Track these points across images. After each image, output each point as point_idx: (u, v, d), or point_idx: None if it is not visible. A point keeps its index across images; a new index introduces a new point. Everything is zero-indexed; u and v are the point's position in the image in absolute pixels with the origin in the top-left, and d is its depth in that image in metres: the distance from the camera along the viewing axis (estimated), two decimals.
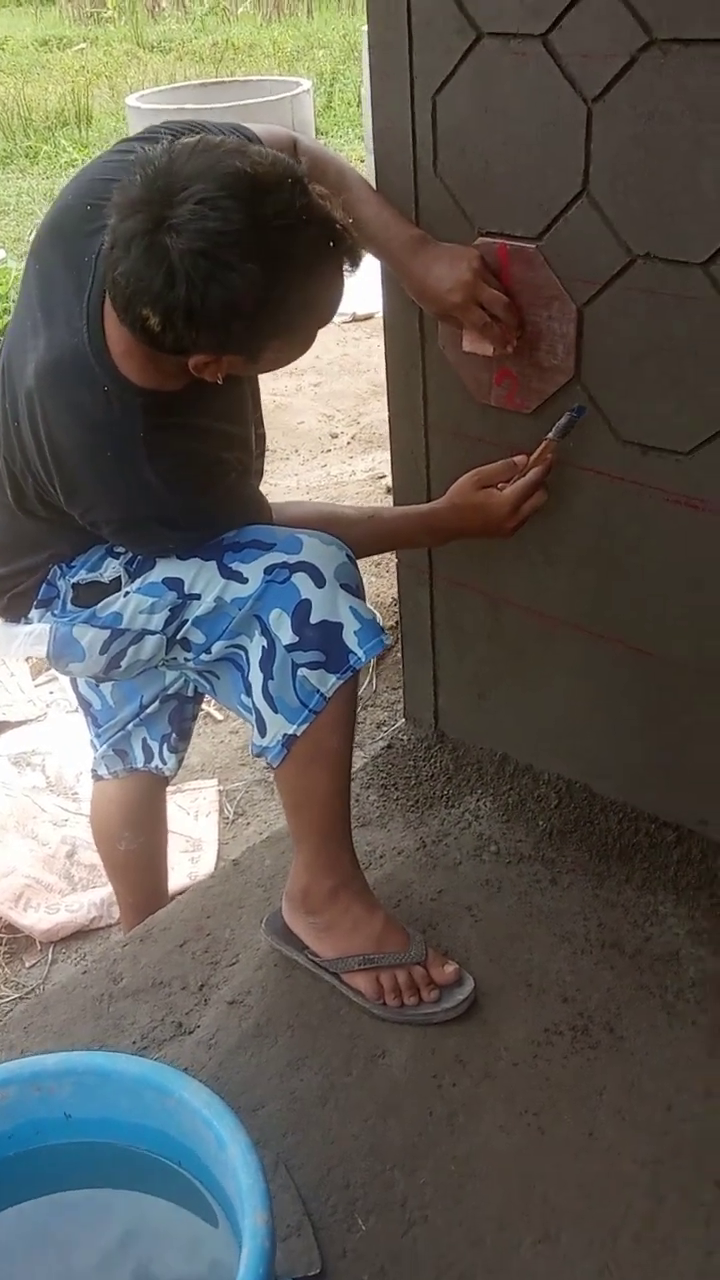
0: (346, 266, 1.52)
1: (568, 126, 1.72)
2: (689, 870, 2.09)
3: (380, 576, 3.11)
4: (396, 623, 2.42)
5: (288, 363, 1.62)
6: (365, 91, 6.96)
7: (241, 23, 12.67)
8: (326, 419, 4.68)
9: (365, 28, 6.77)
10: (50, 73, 10.98)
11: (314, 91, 7.49)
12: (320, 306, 1.54)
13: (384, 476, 3.96)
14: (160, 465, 1.60)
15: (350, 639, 1.67)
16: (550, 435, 1.90)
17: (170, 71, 10.82)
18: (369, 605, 1.72)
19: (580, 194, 1.75)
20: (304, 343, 1.59)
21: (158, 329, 1.44)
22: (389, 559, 2.96)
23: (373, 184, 1.94)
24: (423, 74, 1.85)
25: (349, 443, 4.47)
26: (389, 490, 3.77)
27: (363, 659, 1.68)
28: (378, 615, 1.73)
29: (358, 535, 1.81)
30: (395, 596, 2.65)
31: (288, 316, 1.50)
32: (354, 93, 9.50)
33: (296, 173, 1.45)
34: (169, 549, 1.71)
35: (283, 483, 4.05)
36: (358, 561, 1.74)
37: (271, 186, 1.41)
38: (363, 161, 6.74)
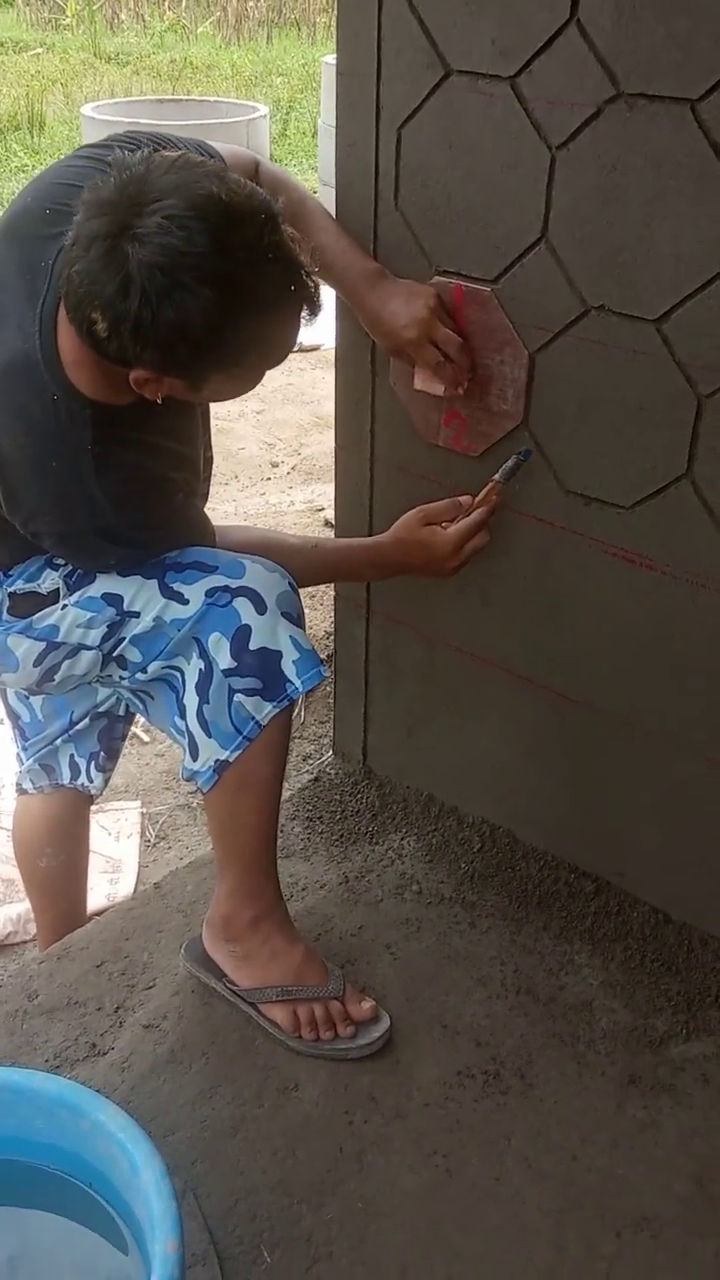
0: (305, 313, 1.50)
1: (530, 171, 1.72)
2: (605, 922, 2.10)
3: (314, 609, 3.10)
4: (330, 656, 2.41)
5: (231, 397, 1.61)
6: (322, 123, 6.98)
7: (201, 42, 12.62)
8: (268, 447, 4.66)
9: (325, 58, 6.83)
10: (4, 75, 10.84)
11: (270, 118, 7.49)
12: (271, 347, 1.52)
13: (323, 509, 3.94)
14: (106, 479, 1.58)
15: (289, 668, 1.66)
16: (496, 477, 1.91)
17: (126, 84, 10.75)
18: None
19: (539, 240, 1.75)
20: (250, 380, 1.57)
21: (104, 335, 1.42)
22: (325, 591, 2.95)
23: (332, 213, 1.93)
24: (389, 105, 1.84)
25: (289, 473, 4.45)
26: (328, 524, 3.77)
27: (300, 689, 1.67)
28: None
29: (300, 564, 1.79)
30: (329, 629, 2.64)
31: (236, 350, 1.47)
32: (310, 122, 9.49)
33: (271, 209, 1.43)
34: (110, 564, 1.69)
35: (221, 508, 4.03)
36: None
37: (243, 217, 1.40)
38: (316, 193, 6.75)
